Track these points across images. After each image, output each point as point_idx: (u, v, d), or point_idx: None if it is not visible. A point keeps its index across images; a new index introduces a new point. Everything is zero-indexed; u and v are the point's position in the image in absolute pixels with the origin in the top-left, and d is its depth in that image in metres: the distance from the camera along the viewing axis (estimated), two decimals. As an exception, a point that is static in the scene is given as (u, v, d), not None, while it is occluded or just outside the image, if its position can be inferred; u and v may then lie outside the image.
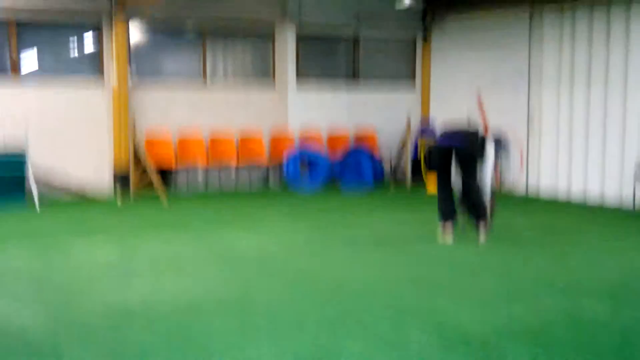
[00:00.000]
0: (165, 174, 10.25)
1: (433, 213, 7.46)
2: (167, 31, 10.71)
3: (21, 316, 4.37)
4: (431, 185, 10.56)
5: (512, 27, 10.85)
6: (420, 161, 11.08)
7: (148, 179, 9.61)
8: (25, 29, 9.54)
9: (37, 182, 8.88)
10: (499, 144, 8.65)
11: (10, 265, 5.85)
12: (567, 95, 10.21)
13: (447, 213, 6.69)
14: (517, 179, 10.60)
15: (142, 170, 9.79)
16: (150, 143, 10.25)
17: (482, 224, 6.52)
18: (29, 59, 9.92)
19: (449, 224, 6.58)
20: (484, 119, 8.50)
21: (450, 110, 11.24)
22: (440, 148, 6.91)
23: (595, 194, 9.84)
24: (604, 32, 9.56)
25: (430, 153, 7.36)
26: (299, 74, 11.55)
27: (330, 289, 5.00)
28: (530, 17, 10.58)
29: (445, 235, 6.58)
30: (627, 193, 9.34)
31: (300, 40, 11.41)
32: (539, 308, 4.39)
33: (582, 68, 9.97)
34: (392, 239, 6.82)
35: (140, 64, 10.54)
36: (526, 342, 3.76)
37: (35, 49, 9.89)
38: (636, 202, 9.11)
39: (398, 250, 6.29)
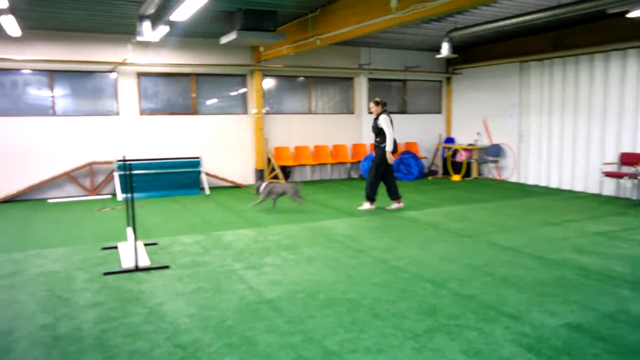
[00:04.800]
0: (286, 170, 11.55)
1: (449, 190, 9.11)
2: (286, 78, 11.59)
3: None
4: (455, 175, 11.61)
5: (508, 73, 11.48)
6: (446, 160, 12.33)
7: (275, 173, 11.11)
8: (199, 79, 10.72)
9: (207, 176, 10.39)
10: (500, 150, 10.80)
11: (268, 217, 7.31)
12: (546, 120, 10.66)
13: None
14: (511, 174, 11.47)
15: (272, 168, 11.20)
16: (277, 150, 11.41)
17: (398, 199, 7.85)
18: (202, 99, 10.86)
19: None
20: (489, 136, 10.73)
21: (465, 130, 12.51)
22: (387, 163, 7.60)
23: (566, 187, 10.32)
24: (573, 77, 10.04)
25: (383, 163, 7.68)
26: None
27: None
28: (520, 67, 11.19)
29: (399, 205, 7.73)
30: (591, 187, 9.84)
31: (370, 82, 12.42)
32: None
33: (556, 102, 10.39)
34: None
35: (269, 99, 11.43)
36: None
37: (205, 92, 10.84)
38: (602, 192, 9.53)
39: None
